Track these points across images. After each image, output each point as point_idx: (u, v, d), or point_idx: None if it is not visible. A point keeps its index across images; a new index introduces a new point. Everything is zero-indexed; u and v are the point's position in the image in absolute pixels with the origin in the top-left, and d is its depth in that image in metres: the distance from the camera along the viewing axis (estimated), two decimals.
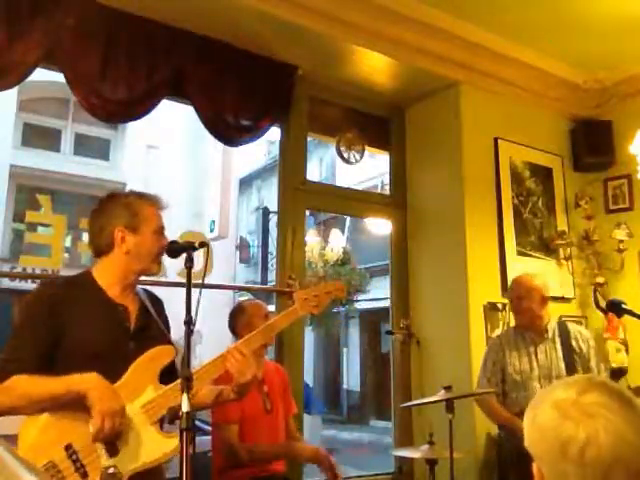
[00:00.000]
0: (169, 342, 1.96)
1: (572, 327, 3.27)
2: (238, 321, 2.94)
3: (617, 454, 0.92)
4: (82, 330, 1.85)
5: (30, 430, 1.76)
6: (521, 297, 3.17)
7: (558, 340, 3.17)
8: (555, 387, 1.04)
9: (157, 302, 2.11)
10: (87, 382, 1.73)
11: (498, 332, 3.73)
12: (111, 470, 1.72)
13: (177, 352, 1.96)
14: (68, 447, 1.74)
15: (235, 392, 2.03)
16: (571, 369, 3.08)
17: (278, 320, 2.22)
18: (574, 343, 3.16)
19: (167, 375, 1.90)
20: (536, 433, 1.00)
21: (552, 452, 0.96)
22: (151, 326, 1.99)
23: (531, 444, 1.01)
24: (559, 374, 3.06)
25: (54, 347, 1.83)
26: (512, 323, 3.79)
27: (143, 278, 2.10)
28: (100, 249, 1.99)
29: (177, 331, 1.95)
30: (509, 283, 3.80)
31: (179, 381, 1.81)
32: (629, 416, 0.95)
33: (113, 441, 1.76)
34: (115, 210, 1.97)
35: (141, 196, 2.03)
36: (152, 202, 2.03)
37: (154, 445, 1.80)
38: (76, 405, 1.74)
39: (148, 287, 2.23)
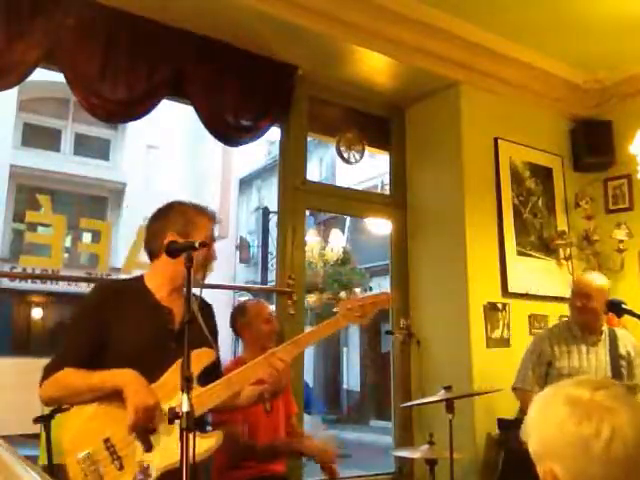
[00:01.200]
0: (211, 346, 2.01)
1: (619, 332, 3.25)
2: (238, 321, 2.94)
3: None
4: (126, 331, 1.95)
5: (74, 421, 1.91)
6: (588, 297, 3.10)
7: (608, 344, 3.16)
8: (563, 386, 1.02)
9: (206, 306, 2.17)
10: (124, 377, 1.84)
11: (498, 332, 3.73)
12: (145, 464, 1.82)
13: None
14: (107, 440, 1.85)
15: (270, 394, 2.14)
16: (617, 374, 3.08)
17: (319, 329, 2.20)
18: (622, 349, 3.15)
19: (207, 377, 1.97)
20: (551, 431, 0.97)
21: (572, 449, 0.94)
22: (195, 330, 1.99)
23: (545, 443, 0.98)
24: (604, 377, 3.03)
25: (101, 345, 1.95)
26: (512, 323, 3.80)
27: None
28: (153, 252, 2.09)
29: None
30: (509, 283, 3.81)
31: (216, 383, 1.94)
32: None
33: (148, 436, 1.85)
34: (170, 216, 2.07)
35: (196, 207, 2.12)
36: (206, 214, 2.12)
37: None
38: (117, 401, 1.84)
39: None
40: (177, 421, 1.80)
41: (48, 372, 1.90)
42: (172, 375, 1.91)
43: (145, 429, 1.83)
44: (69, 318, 2.10)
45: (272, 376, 2.04)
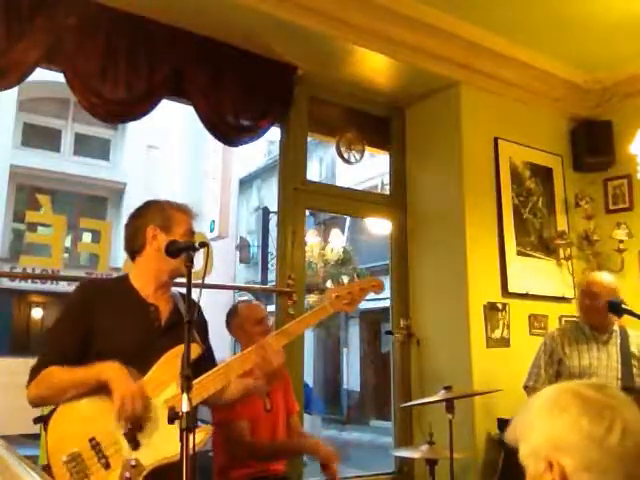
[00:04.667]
0: (196, 342, 1.99)
1: (631, 331, 3.24)
2: (231, 323, 2.93)
3: None
4: (113, 329, 1.95)
5: (58, 423, 1.87)
6: (595, 296, 3.11)
7: (618, 343, 3.15)
8: (575, 386, 1.05)
9: (193, 305, 2.15)
10: (108, 370, 1.84)
11: (498, 332, 3.73)
12: (132, 462, 1.81)
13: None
14: (92, 439, 1.84)
15: (264, 379, 2.12)
16: (628, 373, 3.07)
17: (307, 318, 2.20)
18: (633, 347, 3.14)
19: (197, 372, 1.94)
20: (565, 427, 0.99)
21: (585, 443, 0.96)
22: (181, 326, 1.99)
23: (556, 438, 1.00)
24: (615, 376, 3.04)
25: (86, 344, 1.94)
26: (512, 323, 3.80)
27: None
28: (134, 250, 2.10)
29: None
30: (509, 283, 3.81)
31: (203, 377, 1.93)
32: None
33: (135, 434, 1.84)
34: (150, 213, 2.10)
35: (172, 204, 2.16)
36: (183, 210, 2.15)
37: (175, 440, 1.79)
38: (101, 400, 1.85)
39: None
40: (165, 416, 1.77)
41: (34, 373, 1.90)
42: (158, 371, 1.92)
43: (132, 418, 1.82)
44: (54, 319, 2.10)
45: (262, 361, 2.04)
